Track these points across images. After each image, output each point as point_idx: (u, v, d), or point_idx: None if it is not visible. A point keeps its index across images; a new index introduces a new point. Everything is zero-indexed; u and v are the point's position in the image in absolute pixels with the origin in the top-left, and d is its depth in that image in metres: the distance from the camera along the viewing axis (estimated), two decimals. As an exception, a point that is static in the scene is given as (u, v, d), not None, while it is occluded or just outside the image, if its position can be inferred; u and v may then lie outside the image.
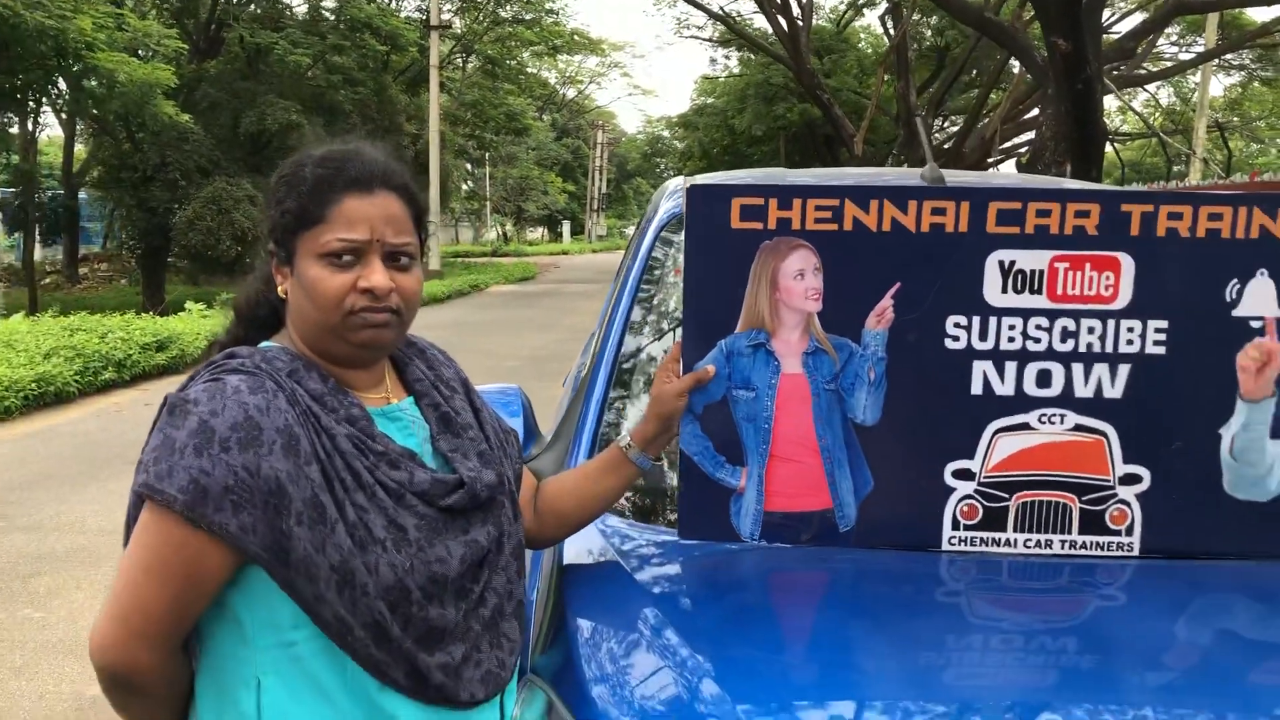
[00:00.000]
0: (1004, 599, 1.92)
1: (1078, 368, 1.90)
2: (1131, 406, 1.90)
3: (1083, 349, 1.90)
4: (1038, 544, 1.91)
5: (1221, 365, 1.90)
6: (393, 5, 29.68)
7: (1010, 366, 1.91)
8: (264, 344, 1.48)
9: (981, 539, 1.92)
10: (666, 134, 53.63)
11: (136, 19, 18.61)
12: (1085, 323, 1.90)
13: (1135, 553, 1.91)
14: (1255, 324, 1.90)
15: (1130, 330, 1.90)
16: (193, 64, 22.45)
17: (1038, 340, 1.90)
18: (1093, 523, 1.91)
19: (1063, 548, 1.91)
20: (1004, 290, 1.89)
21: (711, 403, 1.92)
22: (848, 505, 1.93)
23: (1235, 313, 1.89)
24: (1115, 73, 18.61)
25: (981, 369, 1.91)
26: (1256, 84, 25.09)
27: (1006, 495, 1.91)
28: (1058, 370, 1.90)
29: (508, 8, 32.80)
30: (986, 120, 21.48)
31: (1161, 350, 1.90)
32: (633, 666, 1.60)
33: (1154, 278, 1.88)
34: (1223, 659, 1.67)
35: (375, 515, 1.36)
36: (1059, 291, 1.89)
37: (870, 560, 1.92)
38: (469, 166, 40.70)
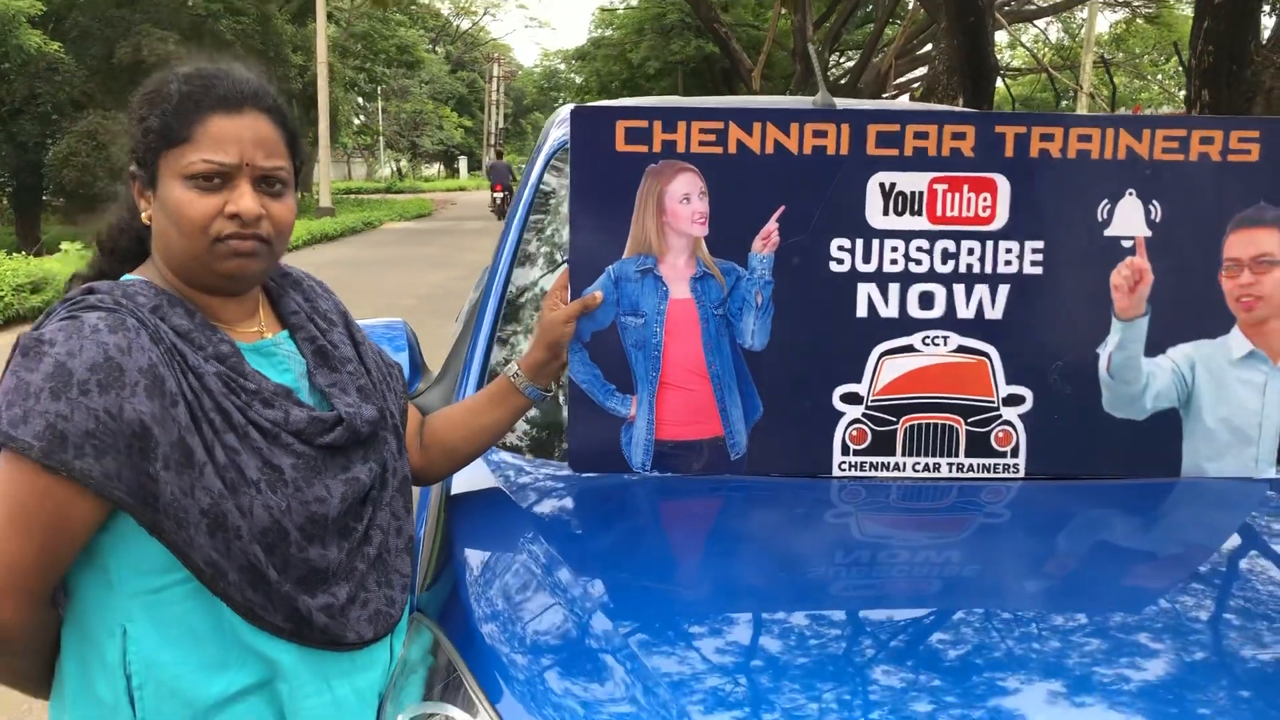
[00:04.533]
0: (893, 520, 1.95)
1: (959, 289, 1.92)
2: (1012, 327, 1.93)
3: (963, 270, 1.92)
4: (926, 468, 1.94)
5: (1096, 285, 1.94)
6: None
7: (894, 288, 1.92)
8: (126, 277, 1.41)
9: (871, 464, 1.94)
10: (563, 67, 52.81)
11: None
12: (965, 244, 1.92)
13: (1021, 474, 1.95)
14: (1126, 243, 1.94)
15: (1008, 251, 1.92)
16: (61, -11, 21.25)
17: (919, 262, 1.92)
18: (979, 445, 1.94)
19: (950, 471, 1.94)
20: (885, 212, 1.90)
21: (600, 330, 1.89)
22: (738, 432, 1.93)
23: (1107, 232, 1.93)
24: (1006, 8, 18.88)
25: (866, 291, 1.92)
26: (1140, 21, 25.67)
27: (894, 419, 1.93)
28: (940, 291, 1.92)
29: (397, -66, 31.70)
30: (881, 55, 21.60)
31: (1039, 270, 1.93)
32: (520, 602, 1.57)
33: (1029, 198, 1.91)
34: (1099, 574, 1.71)
35: (248, 456, 1.31)
36: (939, 213, 1.91)
37: (761, 487, 1.93)
38: (360, 100, 39.46)
